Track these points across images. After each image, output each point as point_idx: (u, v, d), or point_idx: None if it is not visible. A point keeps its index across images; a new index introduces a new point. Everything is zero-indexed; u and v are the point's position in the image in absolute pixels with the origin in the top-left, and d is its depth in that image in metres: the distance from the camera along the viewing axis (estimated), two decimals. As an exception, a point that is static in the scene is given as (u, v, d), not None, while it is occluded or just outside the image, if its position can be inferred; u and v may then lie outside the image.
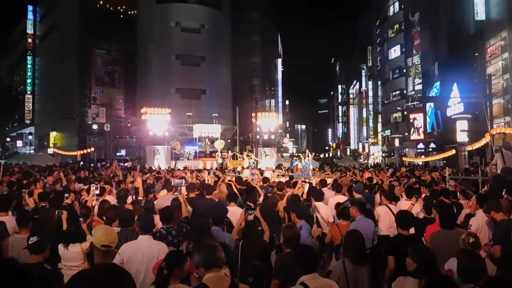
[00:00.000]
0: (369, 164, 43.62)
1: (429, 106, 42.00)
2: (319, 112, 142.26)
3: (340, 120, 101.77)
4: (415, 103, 45.96)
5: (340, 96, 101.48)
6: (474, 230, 4.98)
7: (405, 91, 52.00)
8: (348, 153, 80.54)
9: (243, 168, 18.23)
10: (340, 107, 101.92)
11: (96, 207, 6.64)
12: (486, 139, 20.40)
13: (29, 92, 59.87)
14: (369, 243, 5.32)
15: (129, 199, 7.63)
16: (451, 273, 3.52)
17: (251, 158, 18.71)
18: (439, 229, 4.88)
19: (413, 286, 3.51)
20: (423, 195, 8.15)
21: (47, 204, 6.60)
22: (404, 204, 7.20)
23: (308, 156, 15.23)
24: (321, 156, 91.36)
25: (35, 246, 3.83)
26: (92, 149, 38.61)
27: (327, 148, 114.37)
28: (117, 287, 1.91)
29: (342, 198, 8.01)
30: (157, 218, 5.25)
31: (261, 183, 10.84)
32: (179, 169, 21.02)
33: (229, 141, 33.97)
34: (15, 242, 4.78)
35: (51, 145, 48.54)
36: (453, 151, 26.82)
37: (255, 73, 50.67)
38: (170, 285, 3.29)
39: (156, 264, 3.71)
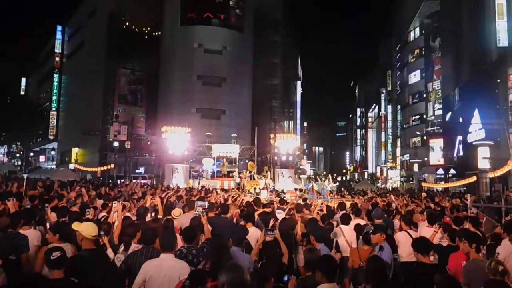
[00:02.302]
0: (387, 189, 43.20)
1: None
2: (337, 134, 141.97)
3: (358, 143, 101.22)
4: (435, 128, 45.65)
5: (358, 119, 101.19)
6: (502, 259, 4.89)
7: (424, 116, 51.71)
8: (366, 177, 79.78)
9: (260, 189, 18.33)
10: (358, 130, 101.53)
11: (117, 223, 6.56)
12: (509, 166, 20.16)
13: (54, 109, 61.53)
14: (389, 269, 5.26)
15: (148, 216, 7.67)
16: None
17: (267, 178, 18.84)
18: (473, 258, 4.79)
19: None
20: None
21: (67, 219, 6.62)
22: (425, 230, 7.03)
23: (329, 179, 15.33)
24: (338, 179, 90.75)
25: (57, 261, 3.82)
26: (112, 165, 39.28)
27: (344, 171, 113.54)
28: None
29: (361, 223, 7.93)
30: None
31: (278, 204, 10.81)
32: (197, 188, 21.29)
33: (247, 161, 34.13)
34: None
35: (72, 160, 49.52)
36: (474, 178, 26.48)
37: (275, 94, 51.10)
38: None
39: (179, 283, 3.75)
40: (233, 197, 13.58)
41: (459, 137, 37.75)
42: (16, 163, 67.19)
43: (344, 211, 9.17)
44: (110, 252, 5.26)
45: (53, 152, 62.72)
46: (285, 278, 4.55)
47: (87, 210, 7.49)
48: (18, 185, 12.94)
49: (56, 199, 9.26)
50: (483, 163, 23.09)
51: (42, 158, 66.49)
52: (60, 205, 8.53)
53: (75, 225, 4.95)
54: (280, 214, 8.25)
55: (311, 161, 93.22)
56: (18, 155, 74.18)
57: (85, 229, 4.70)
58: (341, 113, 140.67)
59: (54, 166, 55.33)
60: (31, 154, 68.97)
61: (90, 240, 4.63)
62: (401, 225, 7.33)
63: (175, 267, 4.22)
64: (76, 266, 3.94)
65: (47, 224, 6.27)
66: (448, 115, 42.20)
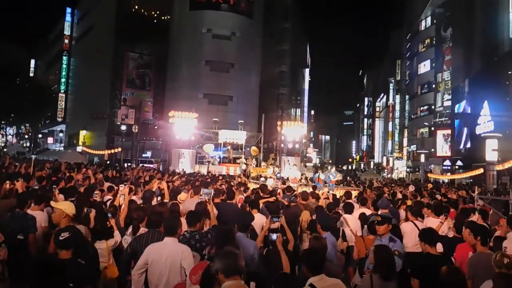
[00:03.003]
0: (393, 179, 43.13)
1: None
2: (344, 123, 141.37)
3: (365, 133, 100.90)
4: (443, 119, 45.32)
5: (366, 109, 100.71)
6: (510, 253, 4.80)
7: (433, 107, 51.30)
8: (372, 167, 79.68)
9: (266, 177, 18.40)
10: (365, 119, 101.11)
11: (123, 206, 6.64)
12: (517, 159, 20.04)
13: (62, 91, 61.72)
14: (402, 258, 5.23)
15: (154, 200, 7.71)
16: None
17: (274, 166, 18.91)
18: (478, 251, 4.79)
19: None
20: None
21: (75, 200, 6.62)
22: (431, 221, 7.03)
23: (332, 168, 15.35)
24: (344, 168, 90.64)
25: (66, 242, 3.80)
26: (120, 149, 39.58)
27: (350, 160, 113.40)
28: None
29: (366, 212, 7.90)
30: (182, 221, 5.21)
31: (284, 191, 10.76)
32: (203, 174, 21.43)
33: (258, 149, 34.22)
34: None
35: (80, 143, 49.92)
36: (481, 170, 26.34)
37: (283, 82, 50.89)
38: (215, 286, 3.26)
39: (195, 268, 3.78)
40: (238, 183, 13.64)
41: (467, 129, 37.48)
42: (24, 145, 67.99)
43: (349, 200, 9.15)
44: (117, 234, 5.35)
45: (61, 134, 63.15)
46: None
47: (94, 192, 7.55)
48: (26, 166, 13.11)
49: (63, 181, 9.34)
50: (491, 155, 22.90)
51: (50, 140, 67.03)
52: (68, 187, 8.65)
53: (54, 204, 5.17)
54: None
55: (317, 149, 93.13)
56: (26, 136, 74.99)
57: (68, 207, 4.96)
58: (348, 102, 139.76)
59: (62, 148, 55.82)
60: (40, 135, 69.62)
61: (70, 218, 4.86)
62: (408, 215, 7.26)
63: (177, 251, 4.23)
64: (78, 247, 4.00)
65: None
66: (457, 106, 41.84)
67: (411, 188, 15.83)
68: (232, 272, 3.08)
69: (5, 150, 47.23)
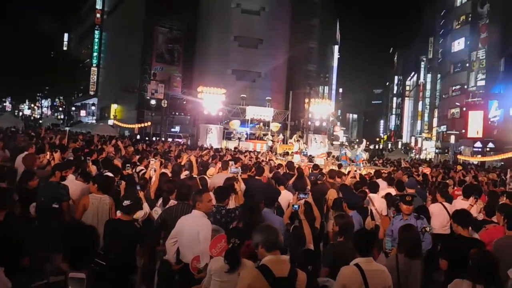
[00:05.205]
0: (421, 159, 42.59)
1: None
2: (373, 102, 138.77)
3: (394, 112, 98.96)
4: (476, 99, 44.09)
5: (395, 87, 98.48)
6: None
7: (465, 86, 49.85)
8: (400, 147, 78.53)
9: (292, 153, 18.53)
10: (394, 98, 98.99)
11: (154, 179, 6.81)
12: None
13: (94, 65, 62.74)
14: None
15: (183, 174, 7.81)
16: None
17: (300, 143, 18.98)
18: (506, 235, 4.62)
19: None
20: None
21: (109, 172, 6.81)
22: (460, 204, 6.86)
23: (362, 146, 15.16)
24: (371, 147, 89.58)
25: (128, 208, 4.53)
26: (149, 123, 40.42)
27: (377, 139, 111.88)
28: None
29: (392, 192, 7.73)
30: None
31: (311, 169, 10.67)
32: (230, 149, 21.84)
33: (280, 125, 34.35)
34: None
35: (111, 116, 51.11)
36: (513, 153, 25.79)
37: (311, 58, 50.34)
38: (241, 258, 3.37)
39: (213, 241, 3.90)
40: (263, 160, 13.88)
41: (501, 110, 36.46)
42: (59, 117, 70.17)
43: (378, 179, 9.05)
44: (146, 206, 5.51)
45: (93, 108, 64.70)
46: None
47: (127, 165, 7.74)
48: (61, 137, 13.68)
49: (96, 153, 9.57)
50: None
51: (83, 112, 68.73)
52: (100, 159, 8.89)
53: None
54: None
55: (344, 128, 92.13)
56: (60, 109, 77.40)
57: None
58: (377, 80, 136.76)
59: (94, 121, 57.14)
60: (73, 108, 71.62)
61: None
62: (437, 197, 7.16)
63: (197, 223, 4.35)
64: None
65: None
66: (491, 86, 40.61)
67: (427, 170, 15.26)
68: (273, 246, 3.10)
69: (40, 121, 48.91)
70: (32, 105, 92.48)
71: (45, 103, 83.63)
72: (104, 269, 2.73)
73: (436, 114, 62.52)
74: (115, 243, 4.25)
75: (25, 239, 3.73)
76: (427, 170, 13.83)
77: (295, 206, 4.71)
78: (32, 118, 75.71)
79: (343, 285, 3.45)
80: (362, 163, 15.16)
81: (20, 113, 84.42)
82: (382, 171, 11.90)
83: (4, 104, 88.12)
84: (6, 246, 3.40)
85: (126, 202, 4.52)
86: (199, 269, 4.04)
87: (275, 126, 32.17)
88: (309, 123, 34.14)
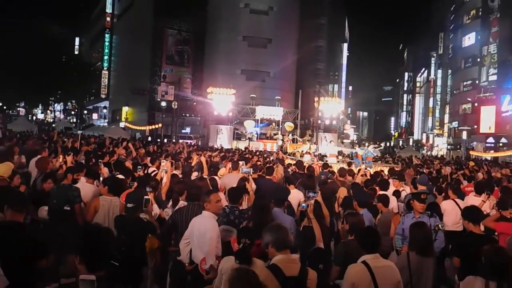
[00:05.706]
0: (433, 156, 42.20)
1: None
2: (383, 99, 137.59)
3: (405, 109, 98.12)
4: (488, 94, 43.59)
5: (406, 84, 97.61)
6: None
7: (477, 81, 49.29)
8: (411, 144, 77.89)
9: (303, 152, 18.60)
10: (405, 95, 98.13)
11: (165, 180, 6.86)
12: None
13: (105, 68, 63.27)
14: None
15: (193, 175, 7.93)
16: None
17: (311, 143, 19.05)
18: None
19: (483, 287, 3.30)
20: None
21: (121, 174, 6.90)
22: (472, 200, 6.81)
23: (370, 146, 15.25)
24: (382, 145, 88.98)
25: (132, 210, 4.73)
26: (160, 125, 40.75)
27: (388, 137, 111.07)
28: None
29: (406, 190, 7.84)
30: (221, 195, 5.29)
31: (321, 168, 10.69)
32: (241, 150, 21.91)
33: (293, 125, 34.31)
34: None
35: (123, 119, 51.65)
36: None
37: (320, 57, 50.13)
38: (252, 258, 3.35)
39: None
40: (276, 159, 13.91)
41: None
42: (71, 120, 70.94)
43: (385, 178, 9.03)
44: (155, 207, 5.56)
45: (105, 111, 65.33)
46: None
47: (138, 167, 7.82)
48: (73, 140, 13.89)
49: (108, 155, 9.73)
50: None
51: (95, 115, 69.39)
52: (111, 161, 9.01)
53: None
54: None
55: (354, 126, 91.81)
56: (73, 112, 78.30)
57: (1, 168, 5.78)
58: (387, 77, 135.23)
59: (106, 124, 57.68)
60: (85, 112, 72.47)
61: (3, 179, 5.59)
62: (449, 193, 7.10)
63: (205, 224, 4.36)
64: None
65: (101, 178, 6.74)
66: (503, 80, 40.09)
67: (448, 169, 15.16)
68: (283, 246, 3.13)
69: (53, 125, 49.58)
70: (45, 109, 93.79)
71: (58, 107, 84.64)
72: (117, 269, 2.78)
73: (447, 110, 61.91)
74: (125, 237, 4.44)
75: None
76: (445, 171, 13.18)
77: (303, 205, 4.71)
78: (45, 122, 76.80)
79: (352, 283, 3.42)
80: (372, 161, 15.15)
81: (34, 118, 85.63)
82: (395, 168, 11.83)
83: (18, 109, 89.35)
84: (27, 248, 3.45)
85: (130, 205, 4.70)
86: (206, 270, 4.07)
87: (288, 126, 32.20)
88: (319, 121, 34.07)
